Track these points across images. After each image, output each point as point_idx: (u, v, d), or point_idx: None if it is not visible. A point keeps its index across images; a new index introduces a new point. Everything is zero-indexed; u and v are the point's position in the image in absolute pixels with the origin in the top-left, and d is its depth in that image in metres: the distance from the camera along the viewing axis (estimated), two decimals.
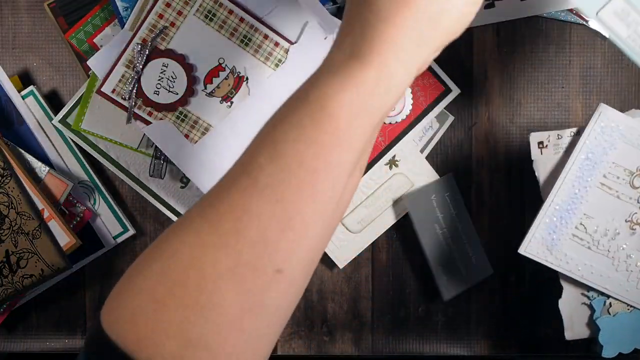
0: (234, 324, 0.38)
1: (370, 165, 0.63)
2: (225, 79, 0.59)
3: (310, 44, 0.59)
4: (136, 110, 0.58)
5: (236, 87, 0.59)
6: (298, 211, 0.38)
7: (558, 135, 0.61)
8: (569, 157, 0.59)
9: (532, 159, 0.62)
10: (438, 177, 0.65)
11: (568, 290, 0.62)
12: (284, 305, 0.41)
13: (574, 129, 0.61)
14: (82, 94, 0.61)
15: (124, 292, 0.42)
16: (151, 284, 0.39)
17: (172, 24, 0.57)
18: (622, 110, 0.60)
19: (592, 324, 0.62)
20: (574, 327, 0.63)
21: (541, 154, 0.61)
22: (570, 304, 0.62)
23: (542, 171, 0.62)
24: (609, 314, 0.62)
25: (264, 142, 0.39)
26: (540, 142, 0.61)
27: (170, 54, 0.57)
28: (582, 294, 0.62)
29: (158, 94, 0.58)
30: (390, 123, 0.63)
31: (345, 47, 0.39)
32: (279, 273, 0.39)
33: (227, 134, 0.59)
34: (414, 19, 0.37)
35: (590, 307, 0.62)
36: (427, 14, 0.38)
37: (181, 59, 0.58)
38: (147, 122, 0.58)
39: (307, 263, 0.41)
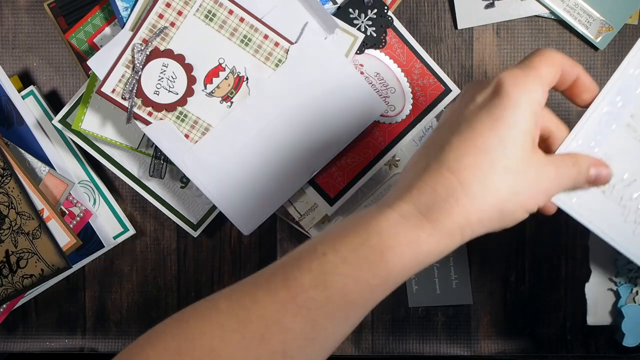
0: None
1: (370, 165, 0.63)
2: (225, 79, 0.59)
3: (310, 44, 0.59)
4: (136, 110, 0.58)
5: (236, 87, 0.59)
6: (325, 333, 0.40)
7: None
8: (600, 91, 0.50)
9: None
10: None
11: (596, 274, 0.61)
12: None
13: None
14: (82, 94, 0.61)
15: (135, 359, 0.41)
16: None
17: (172, 24, 0.57)
18: None
19: (615, 312, 0.62)
20: (597, 313, 0.62)
21: None
22: (596, 289, 0.61)
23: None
24: (634, 302, 0.61)
25: (312, 264, 0.40)
26: None
27: (170, 54, 0.57)
28: (610, 279, 0.61)
29: (158, 94, 0.58)
30: (390, 123, 0.63)
31: (422, 205, 0.40)
32: None
33: (227, 134, 0.59)
34: (492, 210, 0.40)
35: (617, 293, 0.61)
36: (505, 211, 0.41)
37: (181, 59, 0.58)
38: (147, 122, 0.58)
39: None
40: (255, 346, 0.39)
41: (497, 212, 0.40)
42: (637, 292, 0.61)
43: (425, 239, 0.40)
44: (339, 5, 0.61)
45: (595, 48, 0.65)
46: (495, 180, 0.40)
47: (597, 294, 0.62)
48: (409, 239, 0.40)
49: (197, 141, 0.59)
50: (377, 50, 0.62)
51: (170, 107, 0.58)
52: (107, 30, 0.62)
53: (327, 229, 0.43)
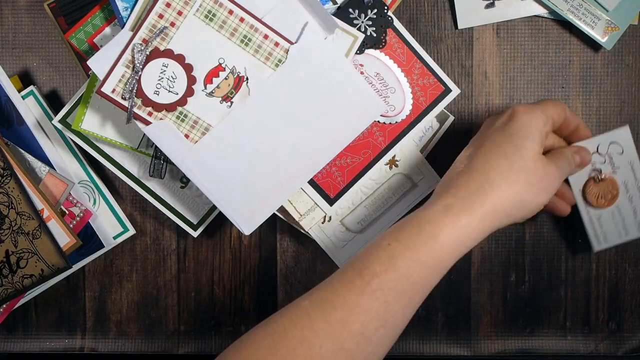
0: None
1: (370, 165, 0.63)
2: (225, 79, 0.59)
3: (310, 44, 0.59)
4: (136, 110, 0.58)
5: (236, 87, 0.59)
6: (394, 315, 0.49)
7: None
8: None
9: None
10: (438, 177, 0.65)
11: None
12: None
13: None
14: (82, 94, 0.61)
15: None
16: (261, 357, 0.47)
17: (172, 24, 0.57)
18: (621, 114, 0.60)
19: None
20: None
21: None
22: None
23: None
24: None
25: (380, 254, 0.50)
26: None
27: (170, 54, 0.57)
28: None
29: (158, 94, 0.58)
30: (390, 123, 0.63)
31: (459, 198, 0.51)
32: None
33: (227, 134, 0.59)
34: (514, 200, 0.51)
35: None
36: (524, 200, 0.52)
37: (181, 59, 0.58)
38: (147, 122, 0.58)
39: (385, 354, 0.50)
40: (340, 330, 0.47)
41: (518, 202, 0.51)
42: None
43: (465, 224, 0.50)
44: (339, 5, 0.61)
45: (595, 48, 0.65)
46: (513, 177, 0.51)
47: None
48: (453, 224, 0.50)
49: (197, 141, 0.59)
50: (377, 50, 0.62)
51: (170, 107, 0.58)
52: (107, 30, 0.62)
53: (390, 228, 0.52)
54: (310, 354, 0.46)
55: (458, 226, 0.50)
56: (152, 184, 0.65)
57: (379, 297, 0.48)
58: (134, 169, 0.64)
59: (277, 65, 0.59)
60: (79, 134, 0.62)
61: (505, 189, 0.51)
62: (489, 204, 0.50)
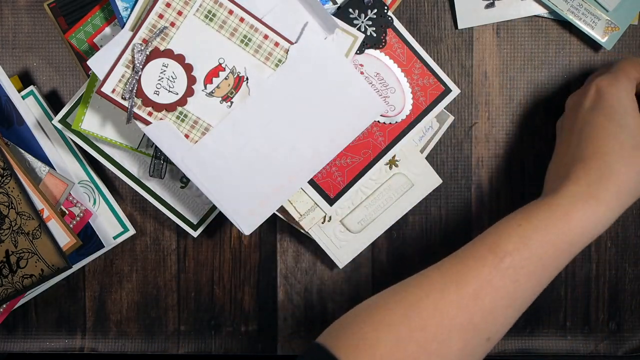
0: None
1: (370, 165, 0.63)
2: (225, 79, 0.59)
3: (310, 44, 0.59)
4: (136, 110, 0.58)
5: (236, 87, 0.59)
6: (523, 294, 0.49)
7: None
8: None
9: None
10: (438, 177, 0.65)
11: None
12: None
13: None
14: (82, 94, 0.61)
15: (361, 324, 0.49)
16: (394, 323, 0.48)
17: (172, 24, 0.57)
18: None
19: None
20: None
21: None
22: None
23: None
24: None
25: (511, 234, 0.50)
26: None
27: (170, 54, 0.57)
28: None
29: (158, 94, 0.58)
30: (390, 123, 0.63)
31: (584, 186, 0.51)
32: (488, 341, 0.50)
33: (227, 134, 0.59)
34: (635, 178, 0.51)
35: None
36: None
37: (181, 59, 0.58)
38: (147, 122, 0.58)
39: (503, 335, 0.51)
40: (471, 304, 0.48)
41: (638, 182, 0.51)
42: None
43: (595, 210, 0.50)
44: (339, 5, 0.61)
45: (595, 48, 0.65)
46: (628, 156, 0.51)
47: None
48: (584, 210, 0.50)
49: (197, 141, 0.59)
50: (377, 50, 0.62)
51: (170, 107, 0.58)
52: (107, 30, 0.62)
53: (517, 211, 0.52)
54: (442, 324, 0.47)
55: (588, 211, 0.50)
56: (152, 184, 0.65)
57: (510, 275, 0.48)
58: (134, 169, 0.64)
59: (277, 65, 0.59)
60: (79, 134, 0.62)
61: (625, 170, 0.51)
62: (612, 188, 0.51)
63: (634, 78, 0.55)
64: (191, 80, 0.58)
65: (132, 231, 0.67)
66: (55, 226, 0.62)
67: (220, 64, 0.58)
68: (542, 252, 0.49)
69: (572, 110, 0.57)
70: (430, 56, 0.64)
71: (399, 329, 0.47)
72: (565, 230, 0.50)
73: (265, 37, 0.58)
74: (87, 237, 0.66)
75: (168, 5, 0.57)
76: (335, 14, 0.60)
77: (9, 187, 0.61)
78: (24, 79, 0.66)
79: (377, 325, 0.48)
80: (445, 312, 0.48)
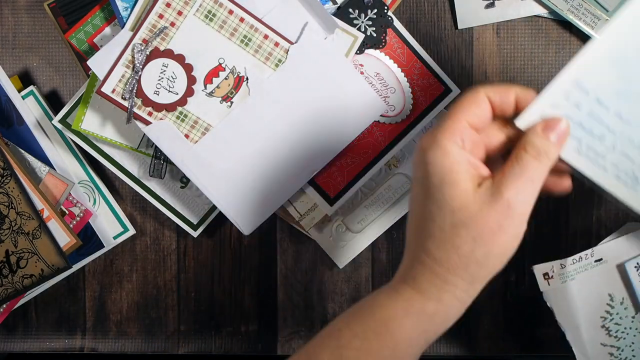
0: None
1: (370, 165, 0.63)
2: (225, 79, 0.59)
3: (310, 44, 0.59)
4: (136, 110, 0.58)
5: (236, 87, 0.59)
6: None
7: (561, 265, 0.61)
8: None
9: (541, 290, 0.61)
10: None
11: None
12: None
13: (576, 257, 0.61)
14: (82, 94, 0.61)
15: None
16: None
17: (172, 24, 0.57)
18: None
19: None
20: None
21: (548, 284, 0.61)
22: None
23: (553, 302, 0.61)
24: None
25: (329, 344, 0.44)
26: (545, 274, 0.61)
27: (170, 54, 0.57)
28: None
29: (158, 94, 0.58)
30: (390, 123, 0.63)
31: (409, 280, 0.43)
32: None
33: (227, 134, 0.59)
34: (463, 265, 0.42)
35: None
36: (474, 259, 0.42)
37: (181, 59, 0.58)
38: (147, 122, 0.58)
39: None
40: None
41: (473, 264, 0.42)
42: None
43: (422, 310, 0.43)
44: (339, 5, 0.61)
45: None
46: (451, 240, 0.41)
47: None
48: (406, 311, 0.43)
49: (197, 141, 0.59)
50: (377, 50, 0.62)
51: (170, 107, 0.58)
52: (107, 30, 0.62)
53: (348, 309, 0.46)
54: None
55: (413, 314, 0.43)
56: (152, 184, 0.65)
57: None
58: (134, 169, 0.64)
59: (277, 65, 0.59)
60: (79, 134, 0.62)
61: (454, 265, 0.42)
62: (440, 278, 0.42)
63: (463, 128, 0.41)
64: (191, 80, 0.58)
65: (132, 231, 0.67)
66: (55, 226, 0.62)
67: (220, 64, 0.58)
68: None
69: (413, 169, 0.44)
70: (430, 56, 0.64)
71: None
72: (387, 338, 0.43)
73: (265, 37, 0.58)
74: (87, 237, 0.66)
75: (168, 5, 0.57)
76: (335, 14, 0.60)
77: (9, 187, 0.61)
78: (24, 79, 0.66)
79: None
80: None
